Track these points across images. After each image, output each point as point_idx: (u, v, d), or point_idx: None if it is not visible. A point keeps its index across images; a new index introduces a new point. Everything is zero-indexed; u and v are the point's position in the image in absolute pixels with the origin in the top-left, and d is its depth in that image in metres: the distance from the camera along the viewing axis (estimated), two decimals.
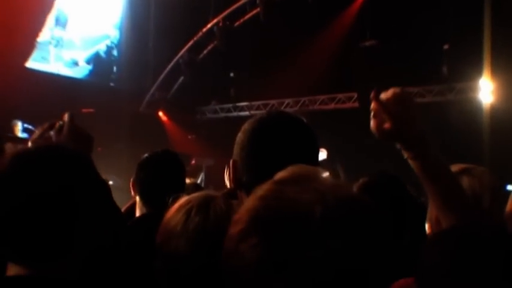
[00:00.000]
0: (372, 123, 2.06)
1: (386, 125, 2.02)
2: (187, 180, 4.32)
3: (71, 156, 1.73)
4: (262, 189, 1.21)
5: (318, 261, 1.08)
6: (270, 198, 1.17)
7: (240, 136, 2.04)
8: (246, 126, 2.05)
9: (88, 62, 18.27)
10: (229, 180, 2.06)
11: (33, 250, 1.56)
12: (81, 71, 18.11)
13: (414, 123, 2.04)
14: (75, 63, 17.92)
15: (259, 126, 2.02)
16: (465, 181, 2.64)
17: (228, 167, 2.04)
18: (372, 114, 2.06)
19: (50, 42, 17.10)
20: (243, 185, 1.96)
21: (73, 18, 17.62)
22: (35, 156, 1.68)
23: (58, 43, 17.28)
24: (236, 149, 2.03)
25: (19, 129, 12.91)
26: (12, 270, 1.58)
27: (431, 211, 2.40)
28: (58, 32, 17.32)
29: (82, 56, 18.12)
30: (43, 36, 17.02)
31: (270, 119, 2.07)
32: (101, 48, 18.71)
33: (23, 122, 12.83)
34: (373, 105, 2.07)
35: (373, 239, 1.15)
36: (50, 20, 17.12)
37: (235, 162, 2.01)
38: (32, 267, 1.57)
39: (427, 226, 2.53)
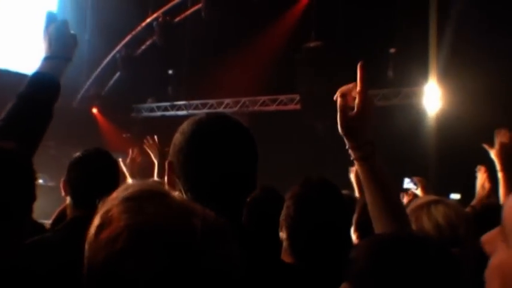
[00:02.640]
0: (339, 114, 2.11)
1: (351, 115, 2.09)
2: (129, 181, 4.22)
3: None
4: (118, 205, 1.22)
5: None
6: (145, 213, 1.19)
7: (177, 137, 2.02)
8: (184, 127, 2.03)
9: None
10: (167, 182, 1.96)
11: None
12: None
13: (370, 124, 2.12)
14: None
15: (198, 128, 1.99)
16: (441, 210, 2.74)
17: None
18: (341, 104, 2.12)
19: None
20: (181, 187, 1.94)
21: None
22: None
23: None
24: (172, 150, 2.02)
25: None
26: None
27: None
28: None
29: None
30: None
31: (209, 122, 2.04)
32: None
33: None
34: (344, 95, 2.13)
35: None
36: None
37: (171, 164, 1.98)
38: None
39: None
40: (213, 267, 1.18)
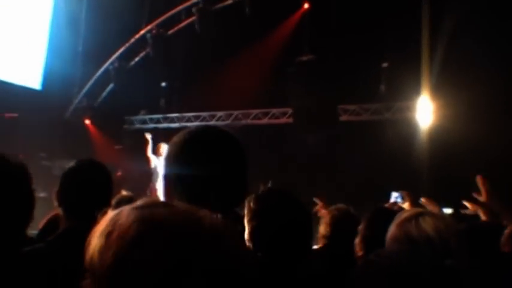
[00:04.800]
0: None
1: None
2: (124, 193, 4.28)
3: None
4: (128, 214, 1.23)
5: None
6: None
7: (170, 149, 2.07)
8: (175, 139, 2.08)
9: None
10: (164, 195, 2.07)
11: None
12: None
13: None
14: None
15: (190, 137, 2.06)
16: (429, 222, 2.75)
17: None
18: None
19: None
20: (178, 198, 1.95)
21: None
22: None
23: None
24: (166, 162, 2.07)
25: None
26: None
27: None
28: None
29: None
30: None
31: (200, 132, 2.12)
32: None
33: None
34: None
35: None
36: None
37: (167, 177, 2.04)
38: None
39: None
40: (223, 264, 1.18)
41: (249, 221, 2.79)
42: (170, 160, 2.04)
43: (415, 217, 2.79)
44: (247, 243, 2.74)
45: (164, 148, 13.62)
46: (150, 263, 1.13)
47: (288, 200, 2.88)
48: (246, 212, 2.81)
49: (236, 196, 2.09)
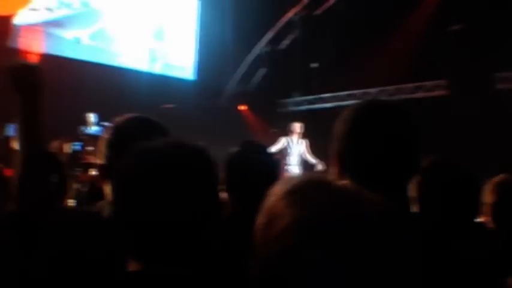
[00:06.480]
0: None
1: None
2: None
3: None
4: (282, 200, 1.20)
5: None
6: (310, 206, 1.16)
7: (339, 126, 1.99)
8: (345, 115, 2.00)
9: None
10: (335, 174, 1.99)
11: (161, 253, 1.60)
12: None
13: None
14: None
15: (361, 115, 1.97)
16: None
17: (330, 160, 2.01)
18: None
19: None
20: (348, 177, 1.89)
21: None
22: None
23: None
24: (335, 140, 1.99)
25: (92, 121, 12.94)
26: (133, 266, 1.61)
27: None
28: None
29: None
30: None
31: (371, 108, 2.01)
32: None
33: (98, 115, 12.85)
34: None
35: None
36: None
37: (336, 155, 1.97)
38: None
39: None
40: (388, 255, 1.12)
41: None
42: (339, 138, 1.98)
43: None
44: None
45: (298, 127, 13.71)
46: (311, 268, 1.09)
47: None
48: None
49: (407, 174, 1.99)
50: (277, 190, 1.25)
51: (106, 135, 2.50)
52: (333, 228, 1.11)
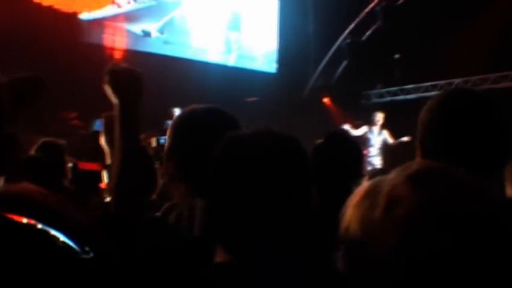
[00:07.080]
0: None
1: None
2: None
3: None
4: (403, 184, 1.20)
5: None
6: (434, 191, 1.16)
7: (424, 115, 2.02)
8: (430, 104, 2.03)
9: None
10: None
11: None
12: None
13: None
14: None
15: (447, 104, 2.00)
16: None
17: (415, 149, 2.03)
18: None
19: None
20: None
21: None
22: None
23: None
24: (420, 129, 2.02)
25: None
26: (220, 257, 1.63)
27: None
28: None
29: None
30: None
31: (459, 97, 2.03)
32: None
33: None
34: None
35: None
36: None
37: (422, 144, 2.01)
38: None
39: None
40: None
41: None
42: (424, 127, 2.01)
43: None
44: None
45: (380, 116, 13.72)
46: (438, 255, 1.11)
47: None
48: None
49: (498, 162, 2.01)
50: (394, 175, 1.25)
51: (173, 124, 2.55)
52: (464, 215, 1.12)
